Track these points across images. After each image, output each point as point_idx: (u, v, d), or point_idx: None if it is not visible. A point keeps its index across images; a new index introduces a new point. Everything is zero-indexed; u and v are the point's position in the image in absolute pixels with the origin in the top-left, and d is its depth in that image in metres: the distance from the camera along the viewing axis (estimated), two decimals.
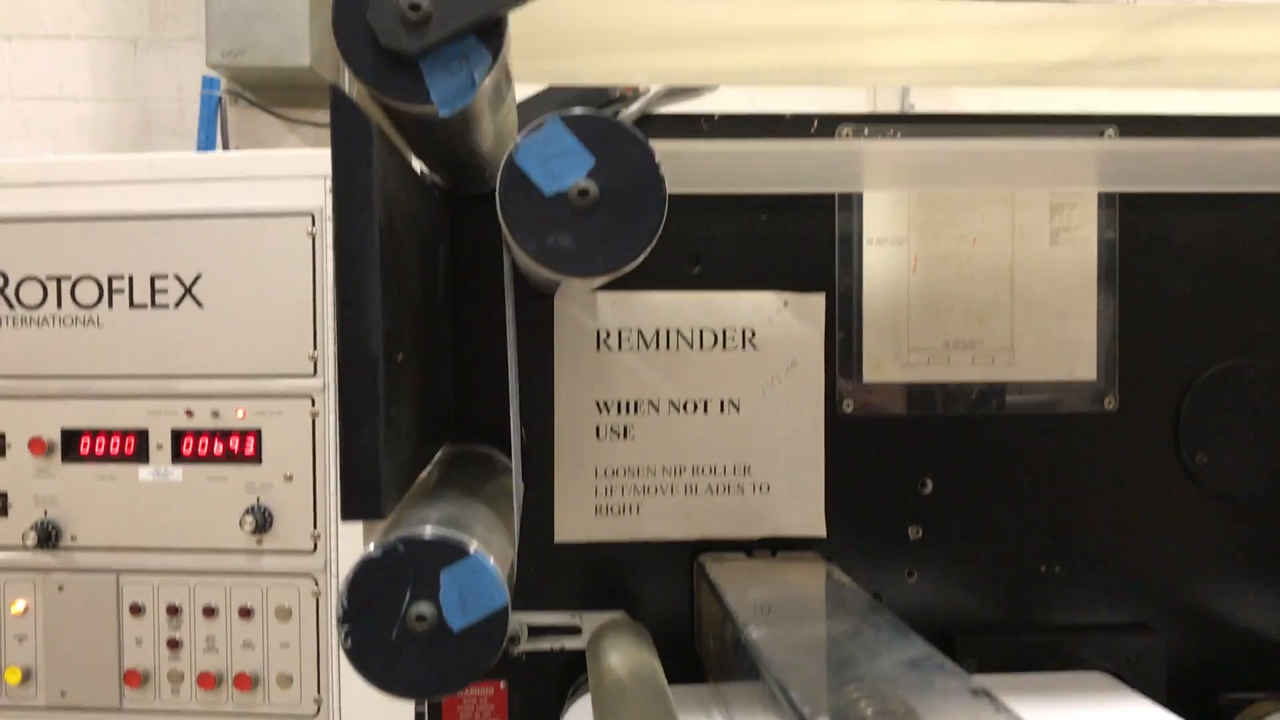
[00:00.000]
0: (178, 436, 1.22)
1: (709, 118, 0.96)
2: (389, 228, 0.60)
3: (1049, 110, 0.98)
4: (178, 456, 1.22)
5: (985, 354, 0.98)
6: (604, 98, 0.93)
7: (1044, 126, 0.98)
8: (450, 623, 0.57)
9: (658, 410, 0.96)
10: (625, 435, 0.96)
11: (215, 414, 1.21)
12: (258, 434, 1.21)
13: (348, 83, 0.59)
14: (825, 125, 0.97)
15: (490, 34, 0.56)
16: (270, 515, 1.20)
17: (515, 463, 0.75)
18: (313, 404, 1.20)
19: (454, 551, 0.58)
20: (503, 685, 0.95)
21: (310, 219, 1.19)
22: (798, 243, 0.97)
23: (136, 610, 1.24)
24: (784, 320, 0.97)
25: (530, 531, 0.93)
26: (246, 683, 1.23)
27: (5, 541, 1.23)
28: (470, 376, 0.95)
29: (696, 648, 0.95)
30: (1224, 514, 1.00)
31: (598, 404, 0.96)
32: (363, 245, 0.56)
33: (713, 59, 0.84)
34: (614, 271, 0.60)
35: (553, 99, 0.90)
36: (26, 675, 1.25)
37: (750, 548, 0.97)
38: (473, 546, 0.58)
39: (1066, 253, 0.99)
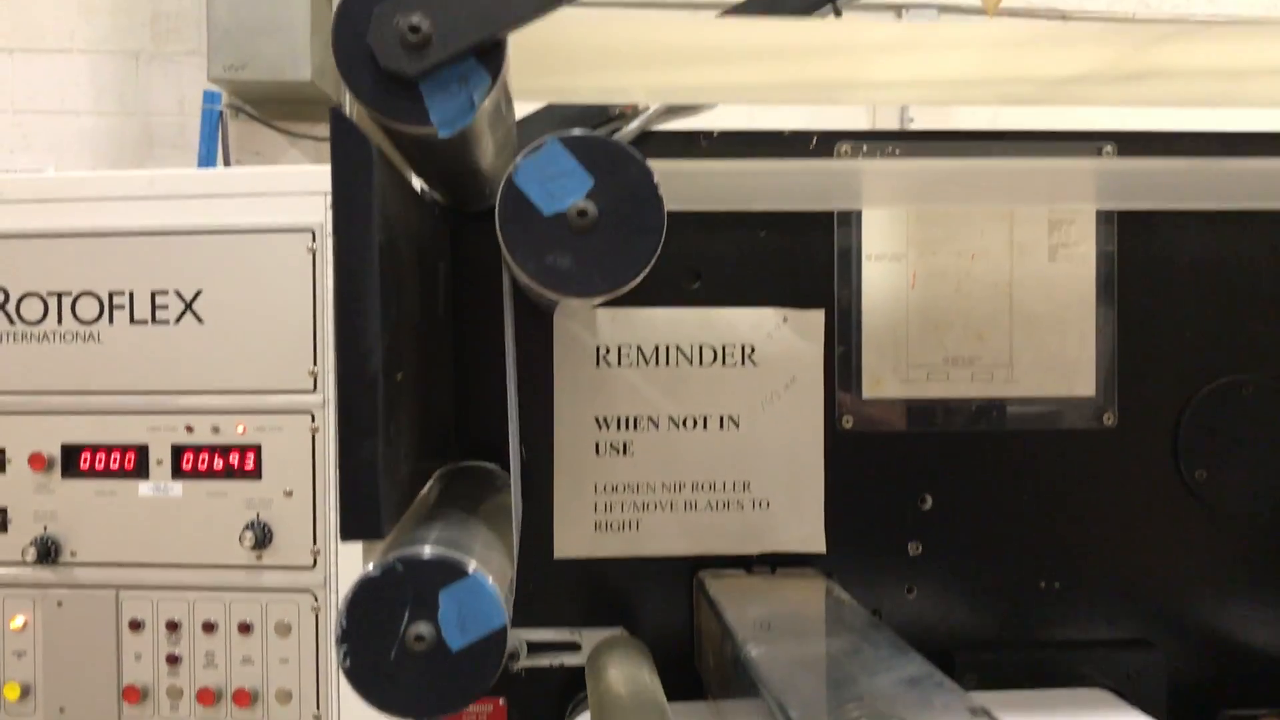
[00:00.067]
0: (178, 452, 1.22)
1: (708, 134, 0.97)
2: (389, 248, 0.60)
3: (1047, 127, 0.98)
4: (178, 472, 1.22)
5: (984, 370, 0.98)
6: (603, 116, 0.93)
7: (1043, 144, 0.98)
8: (449, 643, 0.57)
9: (657, 426, 0.97)
10: (625, 451, 0.96)
11: (215, 429, 1.22)
12: (257, 450, 1.21)
13: (348, 103, 0.59)
14: (824, 142, 0.97)
15: (489, 55, 0.57)
16: (270, 531, 1.20)
17: (515, 481, 0.75)
18: (313, 420, 1.20)
19: (453, 571, 0.58)
20: (502, 702, 0.95)
21: (311, 235, 1.20)
22: (797, 259, 0.98)
23: (136, 626, 1.24)
24: (783, 336, 0.97)
25: (530, 547, 0.93)
26: (246, 699, 1.23)
27: (5, 557, 1.23)
28: (470, 392, 0.95)
29: (696, 664, 0.95)
30: (1223, 530, 0.99)
31: (597, 420, 0.96)
32: (362, 266, 0.56)
33: (711, 76, 0.84)
34: (613, 291, 0.60)
35: (552, 117, 0.91)
36: (25, 691, 1.24)
37: (750, 564, 0.97)
38: (471, 566, 0.58)
39: (1065, 269, 0.99)
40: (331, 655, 1.20)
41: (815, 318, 0.97)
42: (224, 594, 1.22)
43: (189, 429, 1.22)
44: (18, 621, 1.24)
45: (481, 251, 0.94)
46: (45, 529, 1.23)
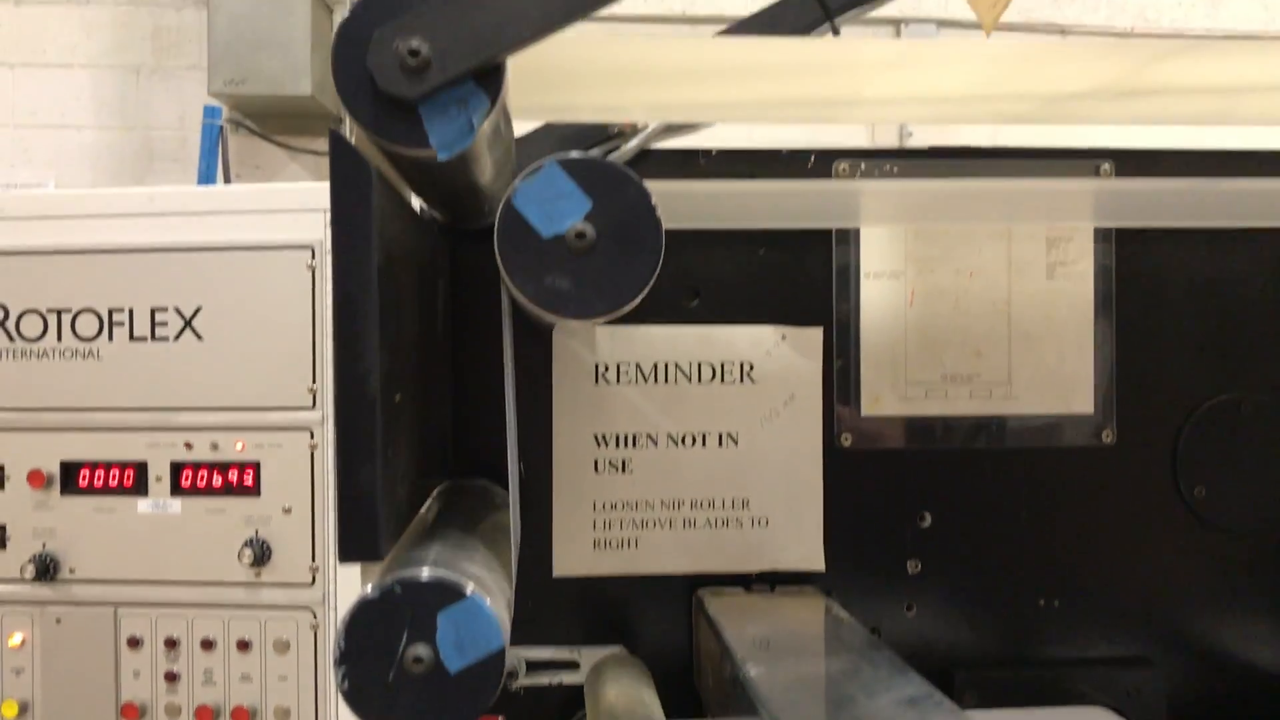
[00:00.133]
0: (177, 469, 1.22)
1: (706, 153, 0.97)
2: (387, 269, 0.60)
3: (1045, 143, 0.98)
4: (177, 489, 1.22)
5: (983, 387, 0.99)
6: (602, 134, 0.94)
7: (1040, 162, 0.98)
8: (447, 664, 0.57)
9: (656, 444, 0.97)
10: (624, 469, 0.96)
11: (214, 446, 1.22)
12: (256, 466, 1.21)
13: (347, 124, 0.59)
14: (822, 160, 0.97)
15: (489, 78, 0.57)
16: (269, 548, 1.20)
17: (513, 501, 0.75)
18: (311, 436, 1.20)
19: (451, 593, 0.58)
20: None
21: (310, 252, 1.20)
22: (795, 276, 0.98)
23: (134, 643, 1.23)
24: (782, 354, 0.97)
25: (528, 565, 0.93)
26: (244, 716, 1.22)
27: (3, 574, 1.23)
28: (469, 409, 0.95)
29: (696, 683, 0.95)
30: (1223, 547, 0.99)
31: (596, 437, 0.96)
32: (361, 291, 0.56)
33: (710, 94, 0.84)
34: (612, 313, 0.60)
35: (551, 136, 0.91)
36: (24, 708, 1.24)
37: (749, 582, 0.97)
38: (469, 588, 0.58)
39: (1063, 286, 0.99)
40: (330, 673, 1.20)
41: (814, 335, 0.97)
42: (223, 611, 1.22)
43: (188, 446, 1.22)
44: (16, 639, 1.24)
45: (481, 268, 0.94)
46: (44, 546, 1.23)
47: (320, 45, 2.95)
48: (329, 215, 0.58)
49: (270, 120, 3.19)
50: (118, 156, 3.32)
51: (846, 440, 0.98)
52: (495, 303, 0.80)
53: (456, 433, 0.96)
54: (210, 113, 3.16)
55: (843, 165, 0.97)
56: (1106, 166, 0.98)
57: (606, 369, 0.96)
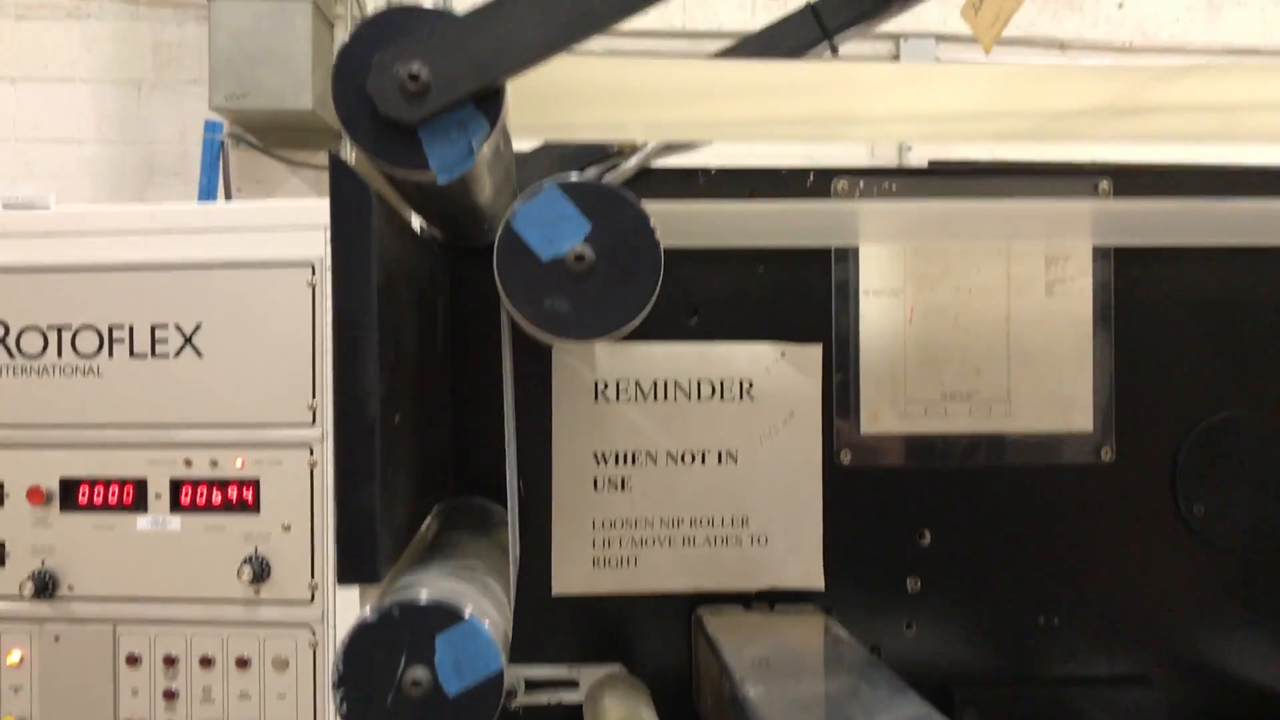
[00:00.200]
0: (176, 486, 1.22)
1: (706, 171, 0.97)
2: (387, 291, 0.60)
3: (1044, 159, 0.99)
4: (176, 506, 1.21)
5: (982, 405, 0.99)
6: (601, 153, 0.94)
7: (1039, 180, 0.98)
8: (445, 687, 0.57)
9: (655, 462, 0.97)
10: (623, 487, 0.96)
11: (214, 463, 1.21)
12: (256, 484, 1.20)
13: (347, 145, 0.60)
14: (821, 178, 0.97)
15: (488, 102, 0.57)
16: (268, 565, 1.20)
17: (512, 522, 0.75)
18: (311, 454, 1.20)
19: (449, 616, 0.58)
20: None
21: (310, 269, 1.20)
22: (795, 294, 0.98)
23: (133, 661, 1.23)
24: (781, 371, 0.97)
25: (528, 584, 0.93)
26: None
27: (2, 591, 1.23)
28: (468, 426, 0.95)
29: (695, 702, 0.95)
30: (1222, 565, 0.99)
31: (595, 455, 0.96)
32: (361, 314, 0.57)
33: (709, 113, 0.85)
34: (611, 334, 0.60)
35: (550, 155, 0.91)
36: None
37: (748, 600, 0.97)
38: (468, 610, 0.58)
39: (1062, 304, 0.99)
40: (329, 692, 1.19)
41: (813, 353, 0.98)
42: (222, 628, 1.22)
43: (188, 462, 1.22)
44: (15, 656, 1.23)
45: (481, 286, 0.94)
46: (43, 563, 1.23)
47: (321, 60, 2.95)
48: (329, 233, 0.58)
49: (271, 135, 3.20)
50: (119, 171, 3.33)
51: (846, 458, 0.98)
52: (495, 320, 0.80)
53: (456, 451, 0.96)
54: (211, 127, 3.16)
55: (841, 183, 0.97)
56: (1104, 184, 0.98)
57: (606, 386, 0.96)
